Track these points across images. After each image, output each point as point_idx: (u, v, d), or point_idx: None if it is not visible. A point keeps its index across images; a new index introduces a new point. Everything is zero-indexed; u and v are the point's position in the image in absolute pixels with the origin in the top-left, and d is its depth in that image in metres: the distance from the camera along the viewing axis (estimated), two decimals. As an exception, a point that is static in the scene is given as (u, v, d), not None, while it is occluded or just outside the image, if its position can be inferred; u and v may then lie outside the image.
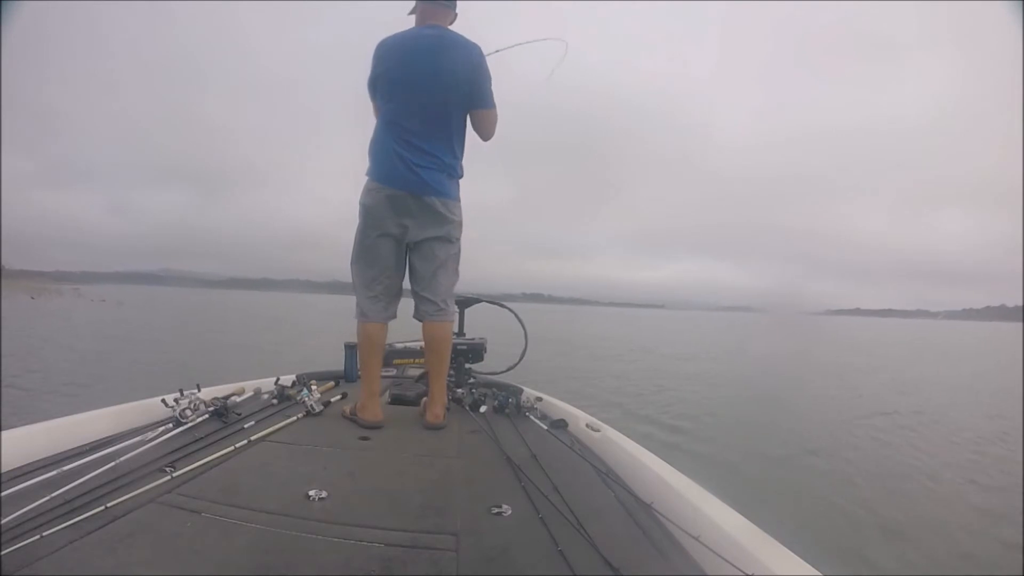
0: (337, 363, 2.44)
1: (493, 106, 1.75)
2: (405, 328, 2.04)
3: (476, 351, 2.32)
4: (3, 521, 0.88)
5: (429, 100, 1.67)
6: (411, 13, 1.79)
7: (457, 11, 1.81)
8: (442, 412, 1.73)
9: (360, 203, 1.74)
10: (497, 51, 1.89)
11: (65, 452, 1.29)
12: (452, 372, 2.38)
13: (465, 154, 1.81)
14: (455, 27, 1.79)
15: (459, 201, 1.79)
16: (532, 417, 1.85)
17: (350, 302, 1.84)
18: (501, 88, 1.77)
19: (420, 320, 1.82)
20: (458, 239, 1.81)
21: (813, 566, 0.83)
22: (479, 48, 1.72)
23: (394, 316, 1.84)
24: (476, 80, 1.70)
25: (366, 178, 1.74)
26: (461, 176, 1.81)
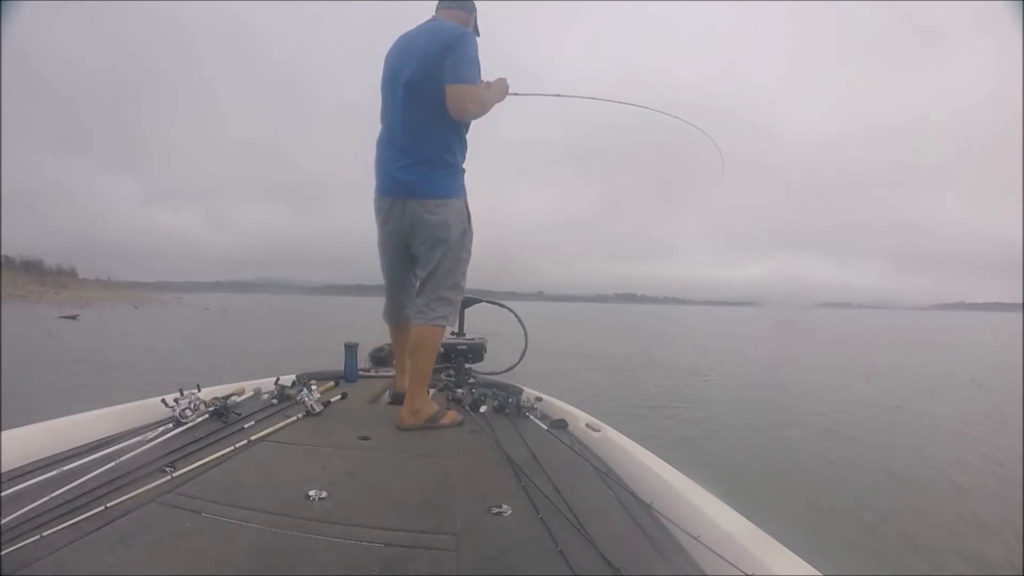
0: (337, 363, 2.44)
1: (462, 80, 1.59)
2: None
3: (476, 351, 2.32)
4: (3, 521, 0.88)
5: (402, 93, 1.65)
6: None
7: (468, 11, 1.79)
8: (410, 416, 1.63)
9: None
10: (672, 116, 2.27)
11: (65, 452, 1.29)
12: (452, 372, 2.38)
13: (465, 146, 1.77)
14: (491, 31, 1.84)
15: (449, 197, 1.70)
16: (532, 417, 1.85)
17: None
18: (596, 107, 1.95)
19: None
20: (447, 238, 1.69)
21: (813, 566, 0.83)
22: (459, 29, 1.64)
23: (402, 318, 1.95)
24: (444, 57, 1.58)
25: None
26: (453, 165, 1.72)
